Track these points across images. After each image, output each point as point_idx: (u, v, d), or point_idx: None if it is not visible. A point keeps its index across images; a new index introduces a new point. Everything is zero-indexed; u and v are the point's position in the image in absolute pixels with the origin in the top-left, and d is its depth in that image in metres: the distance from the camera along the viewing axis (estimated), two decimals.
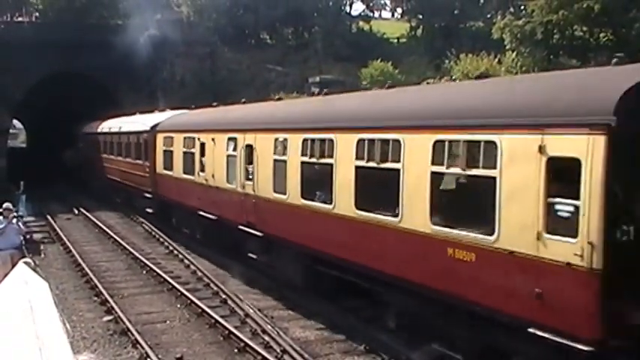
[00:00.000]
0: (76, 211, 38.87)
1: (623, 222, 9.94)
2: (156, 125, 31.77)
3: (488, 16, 59.41)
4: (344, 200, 15.63)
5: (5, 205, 20.44)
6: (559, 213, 10.29)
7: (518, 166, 10.86)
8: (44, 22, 60.92)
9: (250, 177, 20.74)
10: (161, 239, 29.36)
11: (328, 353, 15.46)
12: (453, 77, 41.19)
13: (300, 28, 66.29)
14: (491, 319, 11.66)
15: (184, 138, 27.19)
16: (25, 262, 12.27)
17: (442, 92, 16.00)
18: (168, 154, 29.34)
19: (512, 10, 56.04)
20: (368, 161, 14.72)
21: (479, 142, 11.65)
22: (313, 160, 17.08)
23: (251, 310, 18.16)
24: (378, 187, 14.95)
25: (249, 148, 20.76)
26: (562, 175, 10.23)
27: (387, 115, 14.99)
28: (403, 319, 15.05)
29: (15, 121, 63.04)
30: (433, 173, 12.68)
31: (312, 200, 17.26)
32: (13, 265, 13.49)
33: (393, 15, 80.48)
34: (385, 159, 14.12)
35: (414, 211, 13.25)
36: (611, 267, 9.63)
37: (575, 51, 46.94)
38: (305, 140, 17.40)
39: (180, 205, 28.61)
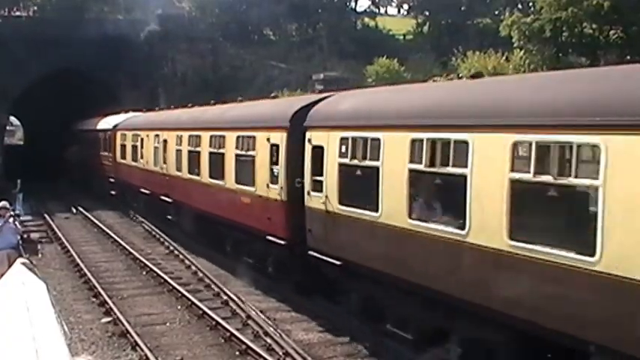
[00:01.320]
0: (75, 210, 38.89)
1: (297, 177, 18.15)
2: (116, 125, 40.06)
3: (496, 12, 59.36)
4: (205, 173, 24.97)
5: (2, 203, 20.42)
6: (274, 173, 19.44)
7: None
8: (42, 16, 61.02)
9: (165, 161, 30.07)
10: (161, 239, 29.38)
11: (331, 356, 15.45)
12: (460, 75, 41.13)
13: (304, 25, 66.28)
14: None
15: (132, 135, 36.49)
16: (23, 262, 12.25)
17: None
18: (123, 147, 38.22)
19: (520, 6, 56.07)
20: (219, 148, 23.59)
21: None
22: (197, 149, 25.85)
23: (253, 312, 18.15)
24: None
25: (165, 142, 30.14)
26: (274, 153, 19.46)
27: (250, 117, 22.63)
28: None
29: (12, 118, 63.13)
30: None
31: (196, 175, 25.97)
32: (10, 265, 13.46)
33: (399, 11, 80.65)
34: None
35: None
36: (291, 200, 18.41)
37: (584, 49, 46.89)
38: (190, 136, 26.85)
39: (130, 185, 37.00)
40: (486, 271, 11.85)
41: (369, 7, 73.85)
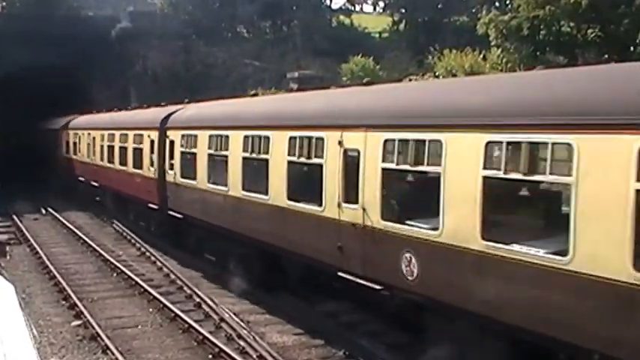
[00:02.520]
0: (44, 211, 38.67)
1: (170, 167, 25.52)
2: (66, 124, 45.67)
3: (473, 10, 59.49)
4: (117, 162, 32.59)
5: None
6: (152, 159, 26.88)
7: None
8: (11, 12, 60.54)
9: (93, 154, 37.60)
10: (132, 240, 29.29)
11: (306, 359, 15.46)
12: (437, 74, 41.30)
13: (278, 22, 66.28)
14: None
15: (74, 133, 43.21)
16: None
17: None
18: (72, 144, 43.69)
19: (497, 4, 56.34)
20: (124, 142, 31.74)
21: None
22: (112, 144, 33.68)
23: (226, 315, 18.14)
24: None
25: (94, 139, 37.65)
26: (152, 146, 27.32)
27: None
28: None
29: None
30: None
31: (111, 163, 33.49)
32: None
33: (375, 9, 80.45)
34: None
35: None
36: (160, 177, 26.19)
37: (562, 47, 47.24)
38: (108, 134, 34.79)
39: (75, 175, 42.36)
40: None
41: (344, 4, 73.87)
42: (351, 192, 14.22)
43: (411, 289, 12.92)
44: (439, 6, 64.53)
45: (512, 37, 46.00)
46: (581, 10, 44.10)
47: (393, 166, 13.37)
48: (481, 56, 41.22)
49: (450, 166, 11.96)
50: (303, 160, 16.18)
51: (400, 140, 13.12)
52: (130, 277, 22.62)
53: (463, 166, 11.68)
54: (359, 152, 14.03)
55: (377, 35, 66.54)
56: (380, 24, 68.29)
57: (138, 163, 29.31)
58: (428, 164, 12.58)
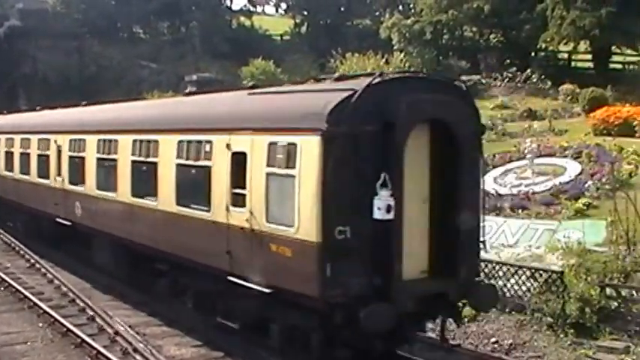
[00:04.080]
0: None
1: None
2: None
3: (376, 14, 60.34)
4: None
5: None
6: None
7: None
8: None
9: None
10: (22, 252, 28.53)
11: None
12: None
13: (176, 23, 65.70)
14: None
15: None
16: None
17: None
18: None
19: (400, 8, 57.18)
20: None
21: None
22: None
23: (121, 328, 17.84)
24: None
25: None
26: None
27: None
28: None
29: None
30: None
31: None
32: None
33: (276, 10, 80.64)
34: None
35: None
36: None
37: (464, 52, 48.26)
38: None
39: None
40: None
41: (244, 5, 73.64)
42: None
43: None
44: (341, 9, 65.05)
45: (415, 41, 46.83)
46: (484, 15, 45.23)
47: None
48: (384, 60, 41.70)
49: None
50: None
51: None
52: (18, 290, 22.05)
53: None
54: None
55: (278, 38, 66.62)
56: (281, 26, 68.38)
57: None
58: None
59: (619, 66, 45.05)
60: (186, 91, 26.88)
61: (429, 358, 15.52)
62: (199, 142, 16.26)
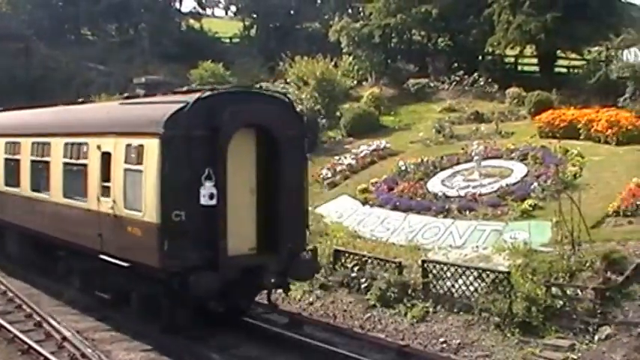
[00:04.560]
0: None
1: None
2: None
3: (326, 17, 60.40)
4: None
5: None
6: None
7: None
8: None
9: None
10: None
11: None
12: (288, 80, 41.62)
13: (125, 24, 65.13)
14: None
15: None
16: None
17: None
18: None
19: (350, 11, 57.33)
20: None
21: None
22: None
23: (69, 333, 17.68)
24: None
25: None
26: None
27: None
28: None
29: None
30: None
31: None
32: None
33: (226, 13, 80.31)
34: None
35: None
36: None
37: (413, 55, 48.50)
38: None
39: None
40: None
41: (194, 8, 73.26)
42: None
43: None
44: (291, 12, 65.05)
45: (364, 45, 46.93)
46: (432, 19, 45.48)
47: None
48: (332, 63, 41.77)
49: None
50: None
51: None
52: None
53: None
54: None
55: (228, 40, 66.40)
56: (231, 29, 68.17)
57: None
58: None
59: (564, 70, 45.60)
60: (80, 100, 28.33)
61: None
62: (80, 144, 19.72)
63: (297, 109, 19.78)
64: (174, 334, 17.45)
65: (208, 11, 76.82)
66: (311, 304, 21.60)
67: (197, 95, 16.90)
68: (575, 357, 16.13)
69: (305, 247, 18.55)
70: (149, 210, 16.35)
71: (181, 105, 16.50)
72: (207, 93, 17.11)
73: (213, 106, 16.60)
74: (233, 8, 75.30)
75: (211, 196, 16.09)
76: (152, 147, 16.31)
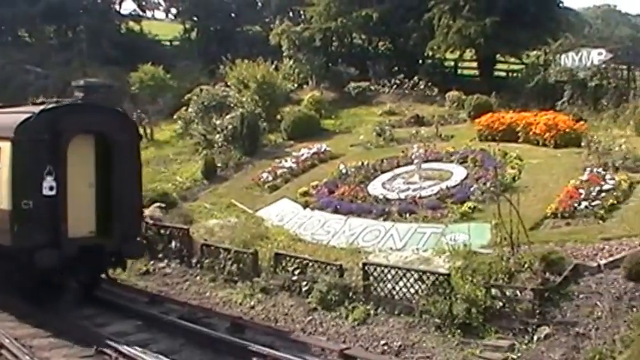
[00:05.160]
0: None
1: None
2: None
3: (267, 20, 60.30)
4: None
5: None
6: None
7: None
8: None
9: None
10: None
11: None
12: (229, 83, 41.44)
13: (63, 26, 64.17)
14: None
15: None
16: None
17: None
18: None
19: (291, 15, 57.32)
20: None
21: None
22: None
23: (6, 340, 17.36)
24: None
25: None
26: None
27: None
28: None
29: None
30: None
31: None
32: None
33: (166, 16, 79.46)
34: None
35: None
36: None
37: (353, 59, 48.66)
38: None
39: None
40: None
41: (134, 10, 72.29)
42: None
43: None
44: (232, 15, 64.72)
45: (305, 48, 46.96)
46: (372, 23, 45.75)
47: None
48: (273, 66, 41.72)
49: None
50: None
51: None
52: None
53: None
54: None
55: (168, 43, 65.83)
56: (171, 32, 67.55)
57: None
58: None
59: (503, 74, 46.16)
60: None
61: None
62: None
63: (130, 118, 25.04)
64: (36, 304, 20.17)
65: (148, 14, 75.86)
66: (252, 307, 21.53)
67: (42, 107, 20.65)
68: (515, 357, 16.27)
69: (139, 232, 22.62)
70: (4, 200, 19.72)
71: (29, 115, 20.10)
72: (52, 105, 20.99)
73: (55, 116, 20.21)
74: (173, 11, 74.58)
75: (51, 188, 19.62)
76: (6, 149, 19.82)
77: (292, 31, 47.57)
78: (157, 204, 28.10)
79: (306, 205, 27.03)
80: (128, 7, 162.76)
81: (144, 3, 71.66)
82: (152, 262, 25.77)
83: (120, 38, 61.26)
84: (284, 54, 47.27)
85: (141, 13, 70.86)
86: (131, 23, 66.99)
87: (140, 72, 45.84)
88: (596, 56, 35.72)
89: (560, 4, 44.82)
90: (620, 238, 19.64)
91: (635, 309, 16.63)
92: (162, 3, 77.34)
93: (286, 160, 32.26)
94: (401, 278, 19.23)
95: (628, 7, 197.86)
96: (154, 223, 26.61)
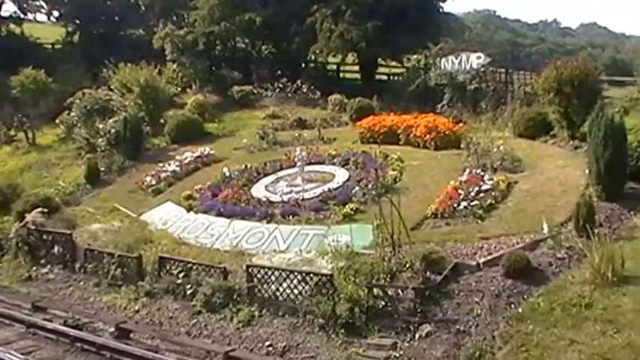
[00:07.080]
0: None
1: None
2: None
3: (150, 24, 59.32)
4: None
5: None
6: None
7: None
8: None
9: None
10: None
11: None
12: (112, 87, 40.54)
13: None
14: None
15: None
16: None
17: None
18: None
19: (174, 19, 56.50)
20: None
21: None
22: None
23: None
24: None
25: None
26: None
27: None
28: None
29: None
30: None
31: None
32: None
33: (48, 19, 77.25)
34: None
35: None
36: None
37: (237, 62, 48.38)
38: None
39: None
40: None
41: (15, 12, 70.16)
42: None
43: None
44: (115, 18, 63.46)
45: (188, 52, 46.40)
46: (255, 27, 45.51)
47: None
48: (157, 70, 41.02)
49: None
50: None
51: None
52: None
53: None
54: None
55: (50, 46, 64.03)
56: (53, 35, 65.77)
57: None
58: None
59: (385, 77, 46.62)
60: None
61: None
62: None
63: None
64: None
65: (30, 16, 73.65)
66: (137, 311, 21.03)
67: None
68: (397, 355, 16.28)
69: None
70: None
71: None
72: None
73: None
74: (56, 14, 72.54)
75: None
76: None
77: (176, 35, 46.93)
78: (39, 209, 27.07)
79: (190, 209, 26.58)
80: (9, 9, 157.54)
81: (25, 5, 69.44)
82: (35, 268, 24.89)
83: (0, 41, 59.27)
84: (167, 58, 46.63)
85: (22, 15, 68.67)
86: (12, 26, 64.98)
87: (21, 75, 44.30)
88: (475, 60, 36.32)
89: (441, 9, 45.60)
90: (498, 237, 19.92)
91: (513, 305, 16.87)
92: (45, 6, 75.13)
93: (170, 164, 31.70)
94: (285, 280, 19.05)
95: (507, 12, 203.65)
96: (35, 229, 25.70)
